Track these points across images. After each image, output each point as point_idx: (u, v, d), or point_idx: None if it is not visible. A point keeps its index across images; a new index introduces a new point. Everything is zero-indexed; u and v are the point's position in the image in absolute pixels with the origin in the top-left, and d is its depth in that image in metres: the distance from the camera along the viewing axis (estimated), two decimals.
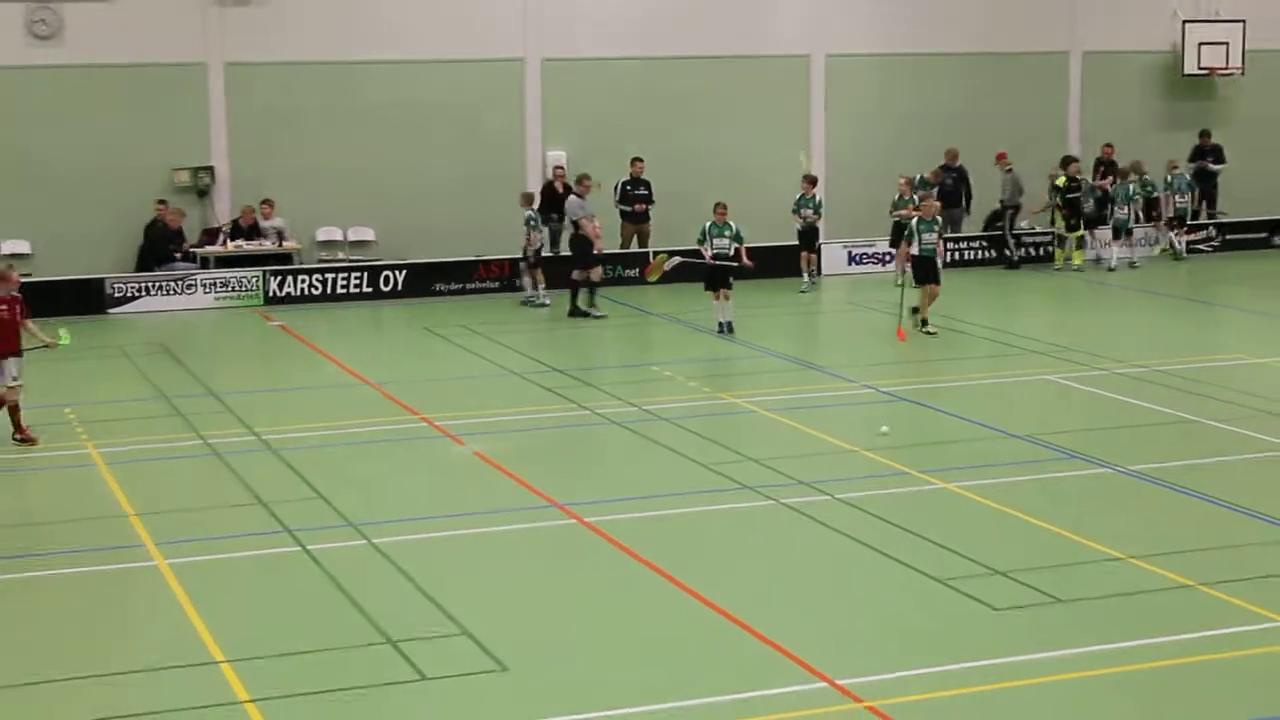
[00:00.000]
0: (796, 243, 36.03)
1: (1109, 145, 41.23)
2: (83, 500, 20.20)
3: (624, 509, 19.12)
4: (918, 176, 37.55)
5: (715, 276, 29.05)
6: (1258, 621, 15.01)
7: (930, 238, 28.55)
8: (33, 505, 20.39)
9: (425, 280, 35.26)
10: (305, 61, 36.57)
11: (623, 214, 37.61)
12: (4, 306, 22.82)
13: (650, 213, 37.56)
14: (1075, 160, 38.45)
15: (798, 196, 35.39)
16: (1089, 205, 37.78)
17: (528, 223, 33.73)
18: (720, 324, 28.96)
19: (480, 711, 13.44)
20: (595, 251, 33.32)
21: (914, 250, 28.59)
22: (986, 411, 23.58)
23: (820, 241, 36.58)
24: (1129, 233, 38.17)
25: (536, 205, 34.11)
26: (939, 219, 29.49)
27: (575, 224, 33.52)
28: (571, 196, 34.61)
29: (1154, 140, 41.89)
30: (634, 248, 37.51)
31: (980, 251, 38.94)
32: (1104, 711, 13.23)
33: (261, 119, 36.60)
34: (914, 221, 29.35)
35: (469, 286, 36.20)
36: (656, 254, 36.57)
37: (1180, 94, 42.72)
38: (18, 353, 22.69)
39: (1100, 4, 41.99)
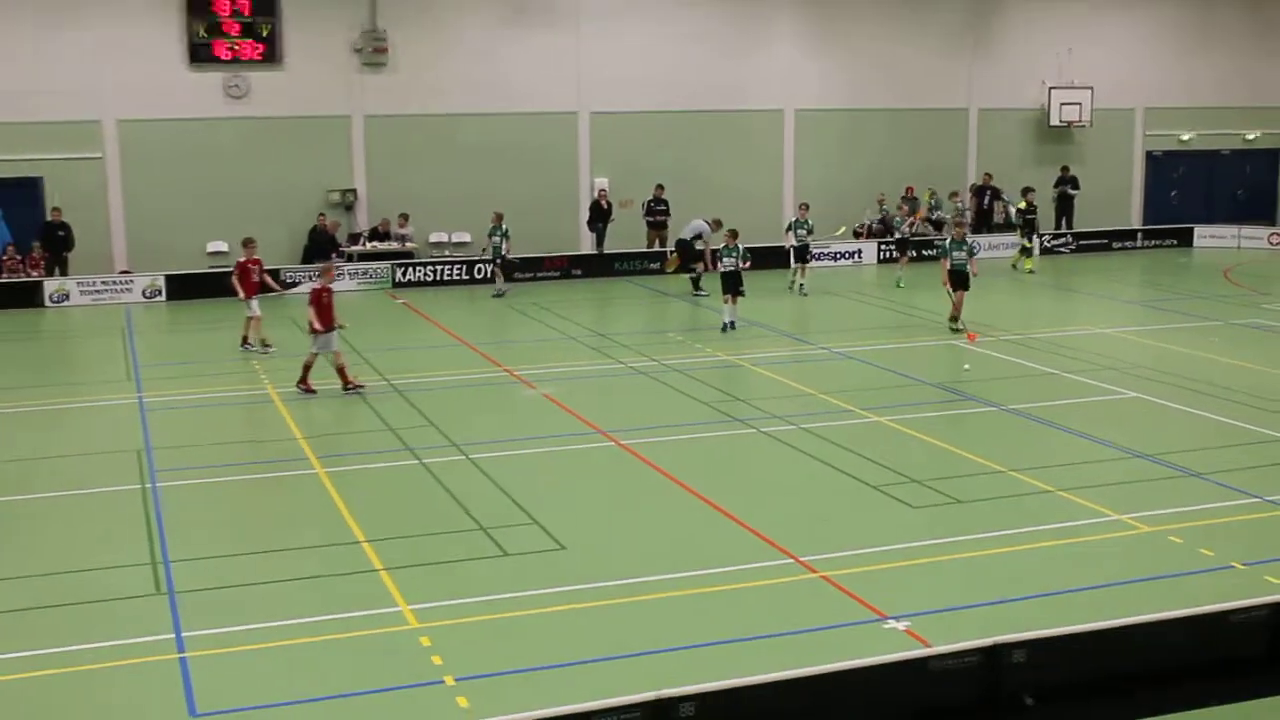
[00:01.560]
0: (791, 257, 33.59)
1: (989, 174, 41.52)
2: (266, 425, 20.42)
3: (648, 434, 19.25)
4: (929, 196, 39.19)
5: (726, 285, 27.12)
6: (1099, 517, 15.28)
7: (960, 255, 26.51)
8: (224, 431, 20.47)
9: (507, 270, 35.39)
10: (420, 114, 36.57)
11: (649, 224, 37.73)
12: (325, 294, 22.25)
13: (667, 223, 37.62)
14: (1033, 190, 37.76)
15: (793, 220, 33.69)
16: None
17: (496, 234, 32.72)
18: (725, 323, 27.11)
19: (546, 577, 13.67)
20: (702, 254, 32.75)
21: (948, 265, 26.63)
22: (908, 366, 23.74)
23: (811, 254, 33.90)
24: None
25: (502, 220, 32.71)
26: (968, 239, 27.53)
27: (698, 236, 33.28)
28: (698, 221, 34.18)
29: (1029, 172, 41.75)
30: (656, 248, 37.60)
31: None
32: (989, 579, 13.52)
33: (389, 154, 36.60)
34: (946, 242, 27.57)
35: (538, 275, 36.29)
36: (671, 252, 36.81)
37: (1047, 139, 42.60)
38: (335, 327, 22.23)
39: (990, 73, 41.80)
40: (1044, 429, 19.49)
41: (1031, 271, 36.28)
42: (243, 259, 26.25)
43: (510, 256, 33.42)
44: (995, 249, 38.39)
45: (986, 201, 41.20)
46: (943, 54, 41.37)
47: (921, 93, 41.11)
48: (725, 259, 27.36)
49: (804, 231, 33.28)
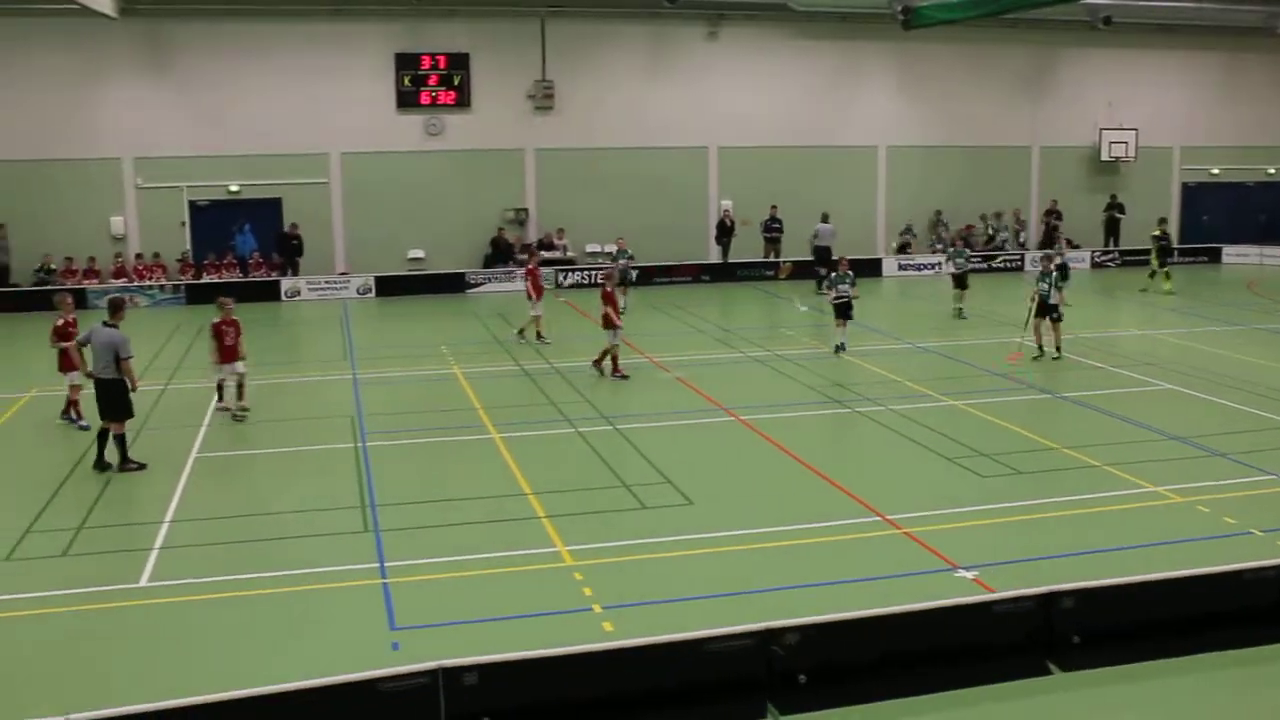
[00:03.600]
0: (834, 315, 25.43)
1: (1054, 200, 40.71)
2: (452, 398, 20.64)
3: (763, 412, 19.16)
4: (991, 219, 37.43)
5: (839, 311, 24.25)
6: (1137, 488, 14.91)
7: (1043, 286, 23.18)
8: (419, 402, 20.63)
9: (649, 274, 35.49)
10: (579, 147, 36.71)
11: (765, 239, 37.52)
12: (613, 295, 21.94)
13: (780, 238, 37.41)
14: (1165, 220, 36.32)
15: (831, 275, 25.49)
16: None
17: (622, 257, 30.72)
18: (836, 346, 24.15)
19: (676, 526, 13.68)
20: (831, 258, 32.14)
21: (1035, 297, 23.31)
22: (978, 359, 23.35)
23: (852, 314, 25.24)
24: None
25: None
26: (1052, 271, 23.61)
27: (824, 243, 33.53)
28: (822, 225, 34.64)
29: (1082, 200, 41.01)
30: (771, 258, 37.40)
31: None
32: (1044, 537, 13.25)
33: (554, 180, 36.78)
34: (1039, 273, 23.97)
35: (674, 279, 36.34)
36: (784, 262, 36.66)
37: (1098, 172, 41.53)
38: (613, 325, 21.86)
39: (1050, 116, 40.89)
40: (1092, 413, 19.03)
41: (1171, 293, 32.72)
42: (529, 265, 26.61)
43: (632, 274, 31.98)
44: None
45: (1051, 224, 40.46)
46: (1009, 99, 40.47)
47: (991, 132, 40.27)
48: (839, 286, 24.38)
49: (962, 260, 29.61)
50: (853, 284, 24.55)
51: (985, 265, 37.97)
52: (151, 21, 33.52)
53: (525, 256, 27.80)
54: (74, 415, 18.73)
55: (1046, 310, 23.37)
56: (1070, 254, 38.33)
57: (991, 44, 39.53)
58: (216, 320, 19.38)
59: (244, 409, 19.27)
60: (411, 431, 18.30)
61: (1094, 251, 39.95)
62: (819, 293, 31.31)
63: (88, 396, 17.48)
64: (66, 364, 18.49)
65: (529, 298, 25.96)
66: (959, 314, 28.58)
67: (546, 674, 9.12)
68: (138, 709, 8.26)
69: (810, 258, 35.29)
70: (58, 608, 11.57)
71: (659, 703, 9.28)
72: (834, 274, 24.92)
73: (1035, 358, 23.23)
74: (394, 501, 14.65)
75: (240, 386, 19.39)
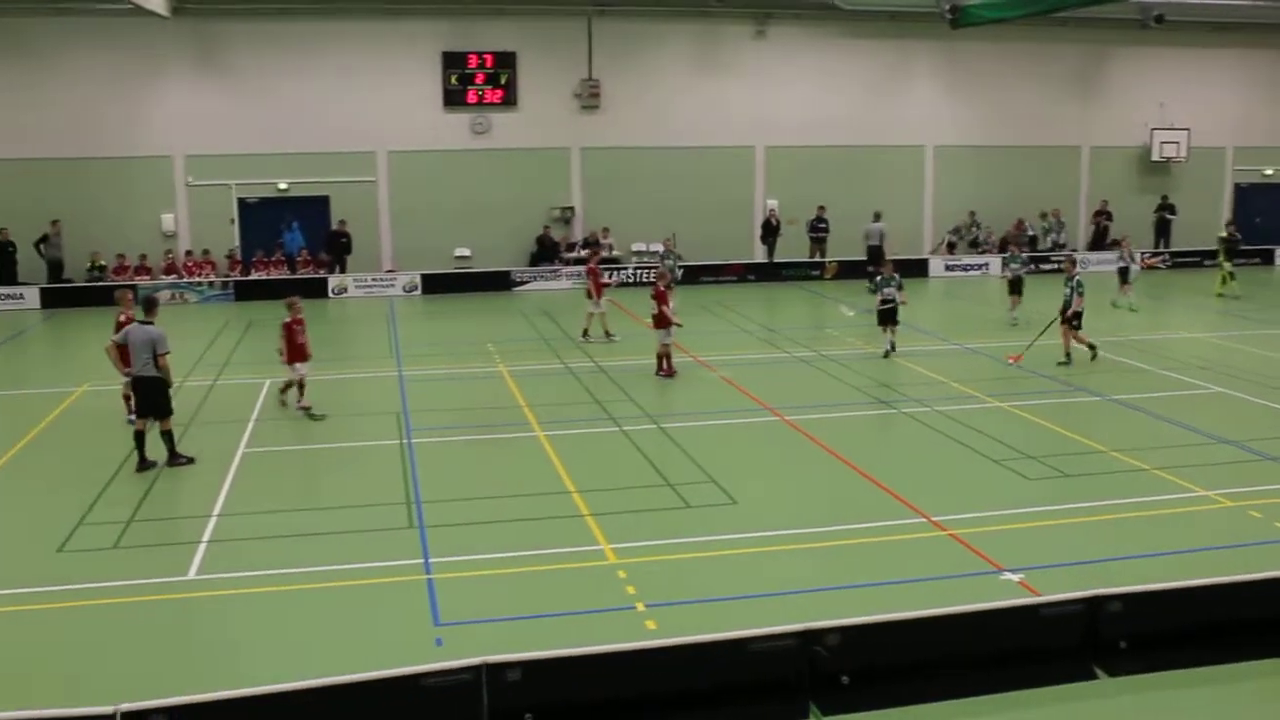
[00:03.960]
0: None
1: (1105, 200, 40.28)
2: (498, 396, 20.70)
3: (807, 412, 19.10)
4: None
5: (884, 315, 23.77)
6: (1187, 492, 14.75)
7: (1065, 292, 22.61)
8: (465, 399, 20.64)
9: (695, 274, 35.46)
10: (625, 146, 36.67)
11: (811, 239, 37.34)
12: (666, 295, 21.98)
13: (826, 238, 37.26)
14: (1233, 222, 35.68)
15: (879, 277, 25.05)
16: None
17: (670, 257, 30.69)
18: (886, 350, 23.65)
19: (720, 525, 13.67)
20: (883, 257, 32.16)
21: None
22: (1030, 362, 23.11)
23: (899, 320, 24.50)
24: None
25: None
26: (1075, 276, 22.84)
27: (874, 242, 33.44)
28: (874, 224, 34.65)
29: (1132, 201, 40.56)
30: (816, 258, 37.26)
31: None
32: (1091, 541, 13.12)
33: (600, 179, 36.82)
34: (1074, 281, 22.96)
35: (720, 279, 36.28)
36: (830, 262, 36.54)
37: (1149, 172, 41.01)
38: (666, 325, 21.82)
39: (1099, 116, 40.42)
40: (1140, 416, 18.84)
41: (1236, 297, 32.04)
42: (590, 263, 26.61)
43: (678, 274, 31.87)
44: (1110, 264, 37.30)
45: (1101, 225, 40.09)
46: (1059, 98, 40.04)
47: (1040, 132, 39.88)
48: (884, 290, 23.83)
49: (1018, 265, 28.17)
50: (899, 288, 23.92)
51: (1034, 267, 37.58)
52: (202, 21, 33.87)
53: (587, 254, 27.84)
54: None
55: (1068, 317, 22.80)
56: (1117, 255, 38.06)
57: (1040, 43, 39.14)
58: (287, 319, 19.45)
59: (305, 408, 19.35)
60: (457, 428, 18.37)
61: (1143, 253, 39.45)
62: (870, 292, 31.13)
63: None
64: (128, 359, 18.67)
65: (589, 296, 26.02)
66: (1013, 323, 27.33)
67: (589, 672, 9.14)
68: (185, 700, 8.36)
69: (864, 257, 35.20)
70: (108, 599, 11.73)
71: (701, 702, 9.28)
72: (879, 277, 24.49)
73: (1060, 363, 22.72)
74: (439, 498, 14.72)
75: (301, 386, 19.60)
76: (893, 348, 23.83)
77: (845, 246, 36.99)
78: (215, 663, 10.31)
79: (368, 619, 11.23)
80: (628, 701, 9.15)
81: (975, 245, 38.73)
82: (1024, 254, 30.15)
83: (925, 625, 9.81)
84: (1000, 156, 39.64)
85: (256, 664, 10.20)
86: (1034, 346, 23.13)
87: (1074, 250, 39.45)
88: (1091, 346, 23.07)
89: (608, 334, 25.87)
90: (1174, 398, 20.18)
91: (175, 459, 16.28)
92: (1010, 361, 22.84)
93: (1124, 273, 30.29)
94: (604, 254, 35.81)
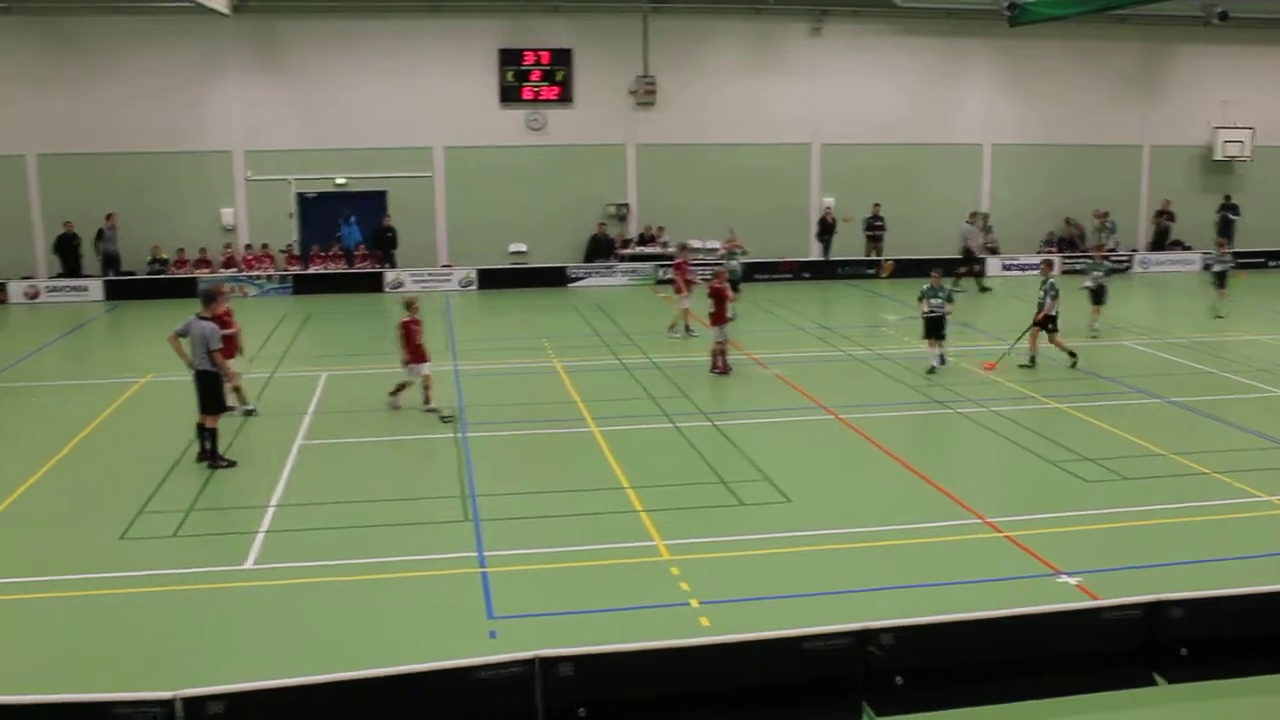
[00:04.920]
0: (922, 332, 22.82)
1: (1167, 199, 39.80)
2: (552, 391, 20.72)
3: (862, 410, 18.97)
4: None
5: (930, 327, 21.91)
6: (1248, 497, 14.52)
7: (1039, 295, 22.25)
8: (519, 394, 20.75)
9: (749, 271, 35.25)
10: (680, 143, 36.62)
11: (868, 237, 37.16)
12: (724, 291, 21.88)
13: (883, 236, 37.06)
14: None
15: (925, 287, 22.34)
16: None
17: (734, 258, 29.53)
18: (932, 365, 21.80)
19: (773, 524, 13.63)
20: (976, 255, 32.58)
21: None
22: (1088, 362, 22.84)
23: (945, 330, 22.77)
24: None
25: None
26: (1048, 281, 22.34)
27: (966, 243, 33.56)
28: (965, 224, 34.52)
29: (1194, 200, 39.98)
30: (873, 257, 37.05)
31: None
32: (1151, 545, 12.94)
33: (655, 174, 36.80)
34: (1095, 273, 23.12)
35: (775, 276, 36.14)
36: (886, 261, 36.31)
37: (1212, 171, 40.43)
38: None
39: (1161, 114, 39.85)
40: (1200, 419, 18.55)
41: None
42: (679, 259, 26.54)
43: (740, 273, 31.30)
44: (1168, 264, 37.00)
45: (1163, 225, 39.59)
46: (1119, 96, 39.52)
47: (1099, 130, 39.37)
48: (931, 300, 21.88)
49: (1100, 273, 26.12)
50: (949, 298, 22.28)
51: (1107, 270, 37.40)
52: (263, 18, 34.20)
53: (675, 250, 27.90)
54: (236, 402, 18.82)
55: (1040, 320, 22.20)
56: (1182, 256, 37.75)
57: (1100, 40, 38.66)
58: (406, 319, 18.95)
59: (434, 409, 18.82)
60: (511, 423, 18.41)
61: (1205, 253, 38.86)
62: (974, 291, 31.08)
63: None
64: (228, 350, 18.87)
65: (677, 292, 26.07)
66: (1094, 334, 25.65)
67: (642, 667, 9.13)
68: (242, 687, 8.44)
69: (926, 256, 34.95)
70: (167, 586, 11.86)
71: (753, 700, 9.24)
72: (925, 286, 22.19)
73: (1023, 365, 22.27)
74: (493, 492, 14.76)
75: (426, 387, 19.03)
76: (941, 361, 22.06)
77: (901, 245, 36.77)
78: (271, 651, 10.40)
79: (422, 611, 11.29)
80: (680, 698, 9.13)
81: (993, 251, 38.09)
82: (1105, 261, 28.12)
83: (981, 627, 9.71)
84: (1058, 155, 39.21)
85: (310, 653, 10.28)
86: (1074, 350, 22.67)
87: (1132, 250, 39.03)
88: (1071, 354, 22.43)
89: (687, 329, 25.94)
90: (1236, 401, 19.87)
91: (216, 460, 16.07)
92: (986, 369, 22.12)
93: (1220, 277, 29.23)
94: (654, 250, 35.96)
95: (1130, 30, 38.73)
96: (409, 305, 19.28)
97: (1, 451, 17.53)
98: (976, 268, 34.26)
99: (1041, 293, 22.31)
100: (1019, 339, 22.90)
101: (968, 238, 34.44)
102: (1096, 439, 17.26)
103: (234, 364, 18.04)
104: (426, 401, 18.97)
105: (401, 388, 19.30)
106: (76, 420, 18.70)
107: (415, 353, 18.87)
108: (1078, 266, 34.13)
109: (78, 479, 15.76)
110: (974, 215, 35.39)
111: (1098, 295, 25.78)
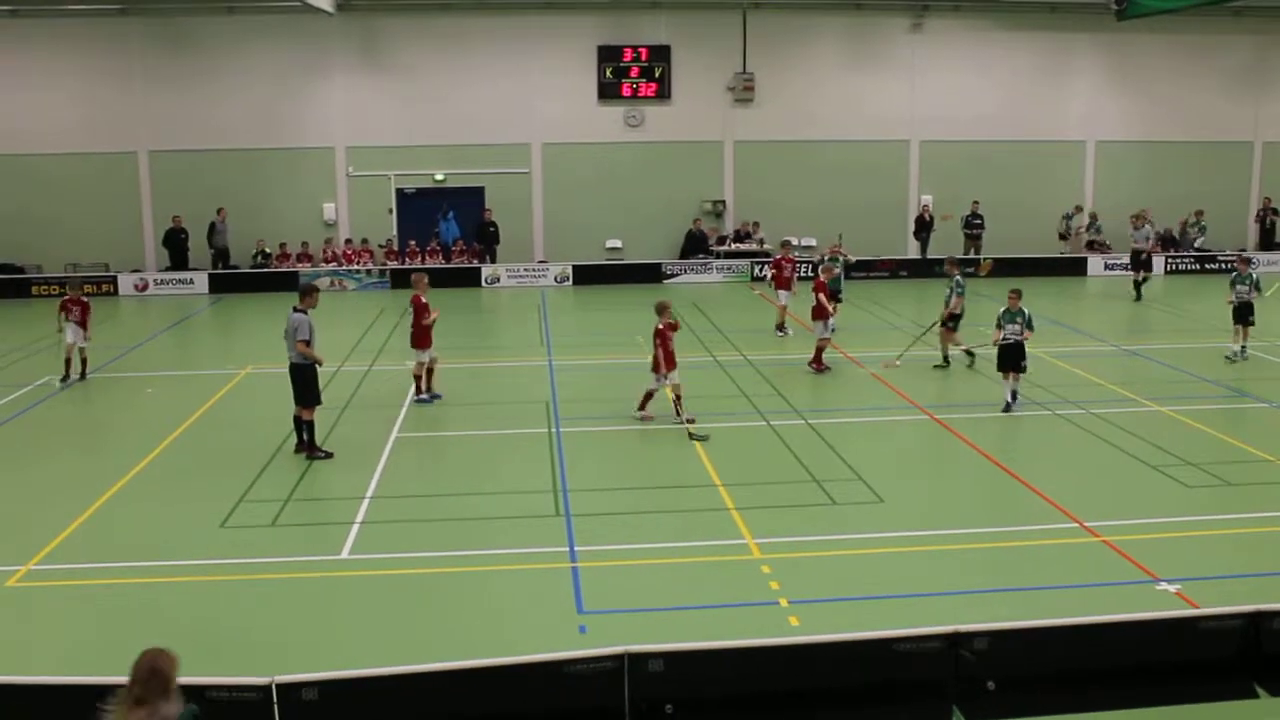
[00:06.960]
0: (1231, 318, 22.75)
1: (1268, 198, 38.74)
2: (642, 388, 20.62)
3: (958, 411, 18.79)
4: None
5: (1004, 358, 18.90)
6: None
7: (946, 293, 22.14)
8: (612, 390, 20.77)
9: (847, 268, 34.90)
10: (778, 140, 36.50)
11: (966, 235, 36.67)
12: (825, 292, 21.92)
13: (982, 234, 36.55)
14: None
15: (1235, 274, 22.76)
16: None
17: (835, 264, 27.96)
18: (1006, 402, 18.74)
19: (866, 524, 13.53)
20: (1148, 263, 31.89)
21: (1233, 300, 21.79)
22: (1191, 364, 22.34)
23: (1252, 317, 22.57)
24: None
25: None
26: (954, 278, 22.27)
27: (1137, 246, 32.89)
28: (1134, 229, 33.68)
29: None
30: (972, 255, 36.55)
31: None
32: (1254, 554, 12.61)
33: (752, 171, 36.72)
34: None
35: (871, 274, 35.80)
36: (985, 259, 35.80)
37: None
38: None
39: (1275, 110, 38.83)
40: None
41: None
42: (779, 255, 26.59)
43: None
44: (1274, 264, 36.03)
45: (1268, 223, 38.43)
46: (1230, 92, 38.50)
47: (1209, 127, 38.39)
48: (1007, 325, 18.80)
49: (1245, 287, 22.71)
50: (1027, 324, 18.70)
51: (1199, 266, 36.61)
52: (366, 17, 34.77)
53: (777, 248, 27.86)
54: (424, 390, 19.59)
55: (944, 319, 22.21)
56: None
57: (1211, 34, 37.72)
58: (662, 324, 17.91)
59: (690, 420, 17.68)
60: (604, 419, 18.47)
61: None
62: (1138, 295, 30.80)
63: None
64: (423, 341, 19.41)
65: (777, 289, 26.12)
66: (1231, 359, 22.64)
67: (732, 665, 9.11)
68: (336, 675, 8.58)
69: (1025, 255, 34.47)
70: (265, 575, 12.12)
71: (843, 701, 9.18)
72: (1002, 310, 19.16)
73: (937, 365, 22.28)
74: (585, 487, 14.84)
75: (677, 397, 18.00)
76: (1014, 398, 18.87)
77: (1000, 243, 36.23)
78: (365, 640, 10.56)
79: (513, 604, 11.38)
80: (769, 697, 9.09)
81: (1092, 246, 37.30)
82: (1255, 271, 24.02)
83: (1076, 633, 9.53)
84: (1166, 152, 38.32)
85: (403, 644, 10.41)
86: (972, 349, 22.40)
87: (1242, 251, 37.98)
88: (969, 353, 22.19)
89: (782, 328, 25.98)
90: None
91: (313, 451, 16.36)
92: (883, 367, 22.06)
93: None
94: (750, 247, 35.86)
95: (1243, 24, 37.71)
96: (662, 309, 17.98)
97: (109, 439, 18.08)
98: (1147, 274, 32.72)
99: (948, 290, 22.21)
100: (916, 340, 23.16)
101: (1138, 240, 33.07)
102: (1200, 443, 16.86)
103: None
104: (678, 414, 17.81)
105: (649, 397, 18.26)
106: (180, 410, 19.18)
107: (670, 359, 17.81)
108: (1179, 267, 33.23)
109: (181, 467, 16.15)
110: (1138, 217, 33.53)
111: (1242, 313, 22.71)
